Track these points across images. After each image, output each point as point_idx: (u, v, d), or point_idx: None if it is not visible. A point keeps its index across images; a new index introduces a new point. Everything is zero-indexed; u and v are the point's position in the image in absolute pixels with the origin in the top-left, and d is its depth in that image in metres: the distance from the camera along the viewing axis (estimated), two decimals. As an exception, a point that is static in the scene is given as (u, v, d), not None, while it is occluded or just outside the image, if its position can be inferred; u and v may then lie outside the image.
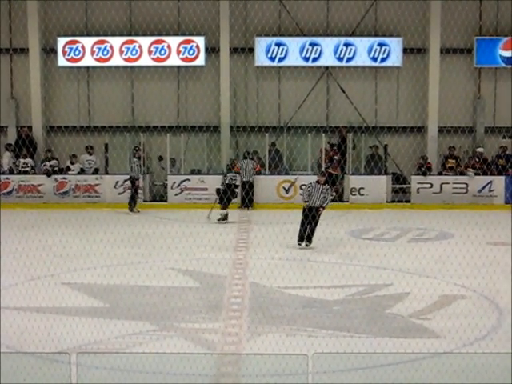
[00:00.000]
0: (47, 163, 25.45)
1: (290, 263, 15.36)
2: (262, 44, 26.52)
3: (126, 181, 24.17)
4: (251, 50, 26.70)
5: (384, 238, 18.74)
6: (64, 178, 25.11)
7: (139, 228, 19.87)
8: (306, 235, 17.03)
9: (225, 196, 21.03)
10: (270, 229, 19.08)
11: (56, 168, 25.40)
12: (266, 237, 17.20)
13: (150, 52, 26.60)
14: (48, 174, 25.00)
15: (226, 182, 21.68)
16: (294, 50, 26.46)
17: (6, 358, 7.67)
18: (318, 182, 17.28)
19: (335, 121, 27.12)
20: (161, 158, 26.21)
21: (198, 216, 22.15)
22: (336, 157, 25.26)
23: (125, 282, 13.56)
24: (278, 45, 26.50)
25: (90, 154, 25.93)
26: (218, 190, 21.64)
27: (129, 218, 22.43)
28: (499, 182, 24.86)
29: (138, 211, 23.30)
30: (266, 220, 21.07)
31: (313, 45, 26.45)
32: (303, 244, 17.09)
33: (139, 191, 23.86)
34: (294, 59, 26.55)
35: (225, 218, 21.32)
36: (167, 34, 26.67)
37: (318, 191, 17.09)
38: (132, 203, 23.37)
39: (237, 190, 22.14)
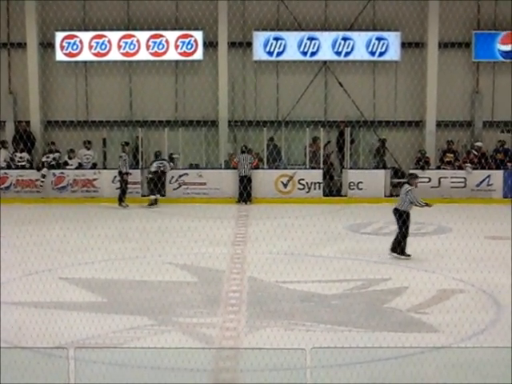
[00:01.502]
0: (50, 155, 25.41)
1: (288, 257, 15.35)
2: (260, 38, 26.46)
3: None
4: (249, 44, 26.67)
5: (382, 233, 18.71)
6: (62, 173, 25.05)
7: (137, 222, 19.85)
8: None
9: (153, 184, 23.25)
10: (268, 223, 19.11)
11: (54, 162, 25.30)
12: (264, 231, 17.20)
13: (147, 46, 26.52)
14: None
15: (153, 170, 23.55)
16: (292, 44, 26.41)
17: (4, 353, 7.66)
18: (411, 184, 15.66)
19: (333, 115, 27.06)
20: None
21: (196, 210, 22.23)
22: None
23: (122, 277, 13.55)
24: (276, 39, 26.44)
25: (88, 149, 25.88)
26: (148, 181, 23.88)
27: (126, 212, 22.43)
28: (498, 176, 24.85)
29: (127, 205, 23.35)
30: (264, 214, 21.07)
31: (311, 39, 26.40)
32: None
33: (128, 185, 23.82)
34: (292, 53, 26.49)
35: (155, 203, 23.51)
36: (165, 29, 26.62)
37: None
38: (123, 197, 23.51)
39: (165, 176, 23.93)
